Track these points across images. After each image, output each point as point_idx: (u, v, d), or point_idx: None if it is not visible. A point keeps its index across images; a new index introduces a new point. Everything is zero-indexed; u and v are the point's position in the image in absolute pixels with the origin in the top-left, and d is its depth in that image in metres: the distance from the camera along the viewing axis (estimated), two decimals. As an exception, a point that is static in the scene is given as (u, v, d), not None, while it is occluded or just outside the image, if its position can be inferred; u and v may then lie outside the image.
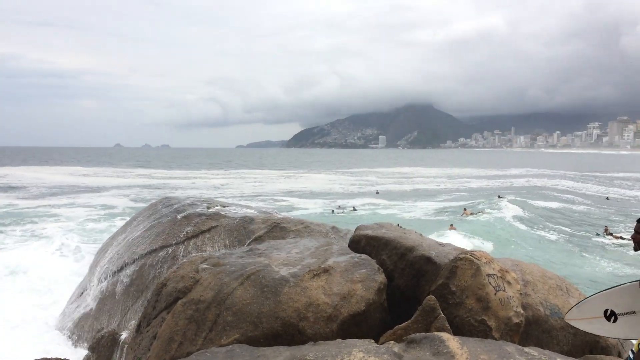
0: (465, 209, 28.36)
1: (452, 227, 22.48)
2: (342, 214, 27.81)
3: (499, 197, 34.91)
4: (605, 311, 3.46)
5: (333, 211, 28.82)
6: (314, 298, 4.47)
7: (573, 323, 3.73)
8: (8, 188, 43.10)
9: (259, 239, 7.75)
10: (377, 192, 41.64)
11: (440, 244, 5.53)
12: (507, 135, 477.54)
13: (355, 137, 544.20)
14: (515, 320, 4.58)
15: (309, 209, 30.23)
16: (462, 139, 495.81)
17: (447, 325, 4.26)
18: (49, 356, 3.79)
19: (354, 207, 30.40)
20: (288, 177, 58.98)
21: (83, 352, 5.03)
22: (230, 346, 3.41)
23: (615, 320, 3.42)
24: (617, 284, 3.50)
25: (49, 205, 31.31)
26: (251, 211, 9.26)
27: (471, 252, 4.94)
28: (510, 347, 3.48)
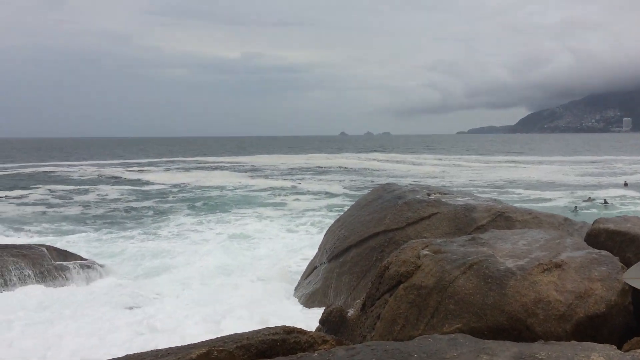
0: None
1: None
2: (587, 210, 22.96)
3: None
4: None
5: (575, 208, 23.46)
6: (544, 294, 4.16)
7: None
8: (251, 170, 49.00)
9: (481, 228, 7.50)
10: (625, 184, 34.96)
11: None
12: None
13: (593, 120, 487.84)
14: None
15: (537, 200, 27.70)
16: None
17: None
18: (286, 324, 4.24)
19: (605, 201, 24.97)
20: (512, 165, 55.72)
21: (313, 324, 5.47)
22: (453, 335, 3.37)
23: None
24: None
25: (281, 189, 34.53)
26: (472, 200, 9.01)
27: None
28: None
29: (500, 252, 4.92)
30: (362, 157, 72.45)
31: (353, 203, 11.12)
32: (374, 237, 8.13)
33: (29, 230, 20.28)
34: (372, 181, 38.91)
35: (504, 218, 7.85)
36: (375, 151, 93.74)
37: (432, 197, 8.89)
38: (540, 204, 24.74)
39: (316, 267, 8.94)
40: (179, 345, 3.18)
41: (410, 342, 3.16)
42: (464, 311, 4.27)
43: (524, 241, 5.28)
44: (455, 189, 13.99)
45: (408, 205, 8.51)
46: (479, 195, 11.09)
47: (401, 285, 4.75)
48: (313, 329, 5.06)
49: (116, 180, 40.02)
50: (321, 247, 9.49)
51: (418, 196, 8.83)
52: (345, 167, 54.03)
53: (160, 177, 42.45)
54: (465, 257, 4.81)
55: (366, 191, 30.46)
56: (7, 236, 18.89)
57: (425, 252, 5.16)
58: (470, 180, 39.23)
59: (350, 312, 5.26)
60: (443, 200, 8.68)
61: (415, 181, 36.88)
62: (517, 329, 4.06)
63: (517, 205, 10.56)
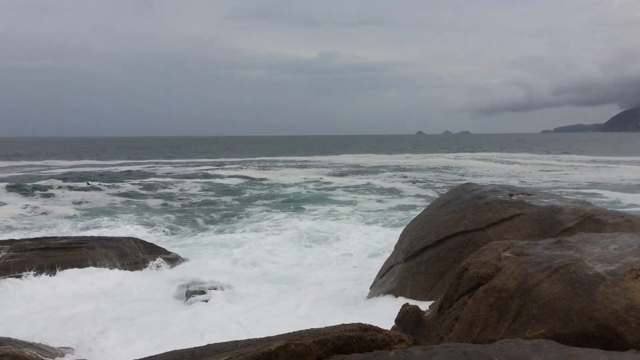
0: None
1: None
2: None
3: None
4: None
5: None
6: (638, 301, 3.91)
7: None
8: (327, 167, 49.42)
9: (568, 231, 7.14)
10: None
11: None
12: None
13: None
14: None
15: (630, 205, 25.68)
16: None
17: None
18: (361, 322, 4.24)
19: None
20: (601, 165, 52.55)
21: (388, 323, 5.44)
22: (536, 340, 3.24)
23: None
24: None
25: (355, 187, 34.54)
26: (558, 201, 8.60)
27: None
28: None
29: (589, 257, 4.67)
30: (439, 156, 71.10)
31: (430, 203, 10.94)
32: (452, 237, 7.96)
33: (120, 221, 21.60)
34: (450, 181, 38.08)
35: (593, 221, 7.43)
36: (453, 150, 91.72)
37: (514, 197, 8.57)
38: (633, 209, 23.18)
39: (392, 266, 8.87)
40: (258, 337, 3.27)
41: (491, 345, 3.07)
42: (548, 316, 4.08)
43: (615, 245, 4.97)
44: (539, 190, 13.42)
45: (489, 205, 8.26)
46: (564, 196, 10.59)
47: (481, 288, 4.61)
48: (388, 329, 5.03)
49: (200, 176, 41.51)
50: (397, 246, 9.41)
51: (499, 196, 8.54)
52: (421, 167, 53.23)
53: (240, 173, 43.72)
54: (550, 260, 4.60)
55: (442, 191, 29.97)
56: (98, 227, 20.24)
57: (507, 254, 4.99)
58: (554, 181, 37.43)
59: (427, 312, 5.18)
60: (526, 201, 8.35)
61: (495, 181, 35.70)
62: (606, 337, 3.83)
63: (607, 208, 9.98)
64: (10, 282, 10.80)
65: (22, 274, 11.04)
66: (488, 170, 49.29)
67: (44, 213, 23.54)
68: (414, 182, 37.80)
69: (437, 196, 16.55)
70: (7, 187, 29.81)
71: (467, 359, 2.69)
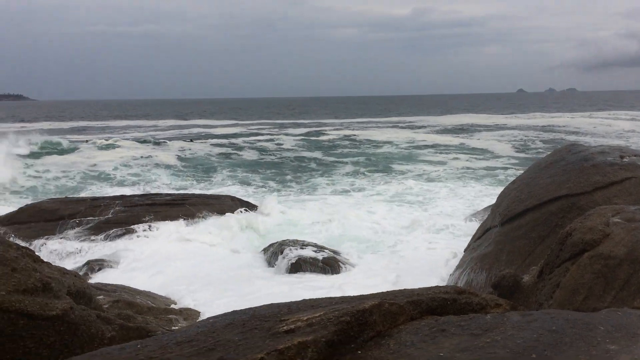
0: None
1: None
2: None
3: None
4: None
5: None
6: None
7: None
8: (418, 128, 48.44)
9: (687, 196, 6.55)
10: None
11: None
12: None
13: None
14: None
15: None
16: None
17: None
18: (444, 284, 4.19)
19: None
20: None
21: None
22: (647, 311, 3.03)
23: None
24: None
25: (445, 146, 33.76)
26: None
27: None
28: None
29: None
30: (541, 116, 67.21)
31: (530, 165, 10.44)
32: (554, 201, 7.55)
33: (219, 177, 22.73)
34: (552, 141, 36.05)
35: None
36: (557, 109, 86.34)
37: (625, 159, 7.95)
38: None
39: (488, 229, 8.60)
40: (352, 295, 3.32)
41: (596, 313, 2.91)
42: (661, 287, 3.81)
43: None
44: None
45: (596, 168, 7.72)
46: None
47: (586, 254, 4.37)
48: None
49: (298, 135, 42.11)
50: (494, 209, 9.10)
51: (609, 158, 7.96)
52: (521, 126, 50.65)
53: (336, 133, 44.01)
54: (665, 227, 4.26)
55: (542, 153, 28.46)
56: (197, 181, 21.42)
57: (616, 219, 4.68)
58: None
59: (525, 278, 5.00)
60: (639, 163, 7.72)
61: (603, 142, 33.33)
62: None
63: None
64: (120, 235, 11.70)
65: (132, 227, 11.92)
66: (595, 128, 46.01)
67: (153, 165, 25.34)
68: (511, 142, 36.22)
69: (536, 158, 15.74)
70: (123, 140, 32.73)
71: (570, 326, 2.57)
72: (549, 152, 10.39)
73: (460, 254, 9.32)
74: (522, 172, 10.55)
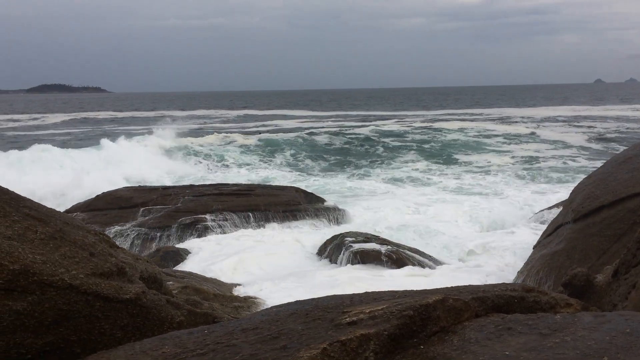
0: None
1: None
2: None
3: None
4: None
5: None
6: None
7: None
8: (487, 120, 47.02)
9: None
10: None
11: None
12: None
13: None
14: None
15: None
16: None
17: None
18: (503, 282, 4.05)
19: None
20: None
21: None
22: None
23: None
24: None
25: (516, 135, 32.83)
26: None
27: None
28: None
29: None
30: (620, 108, 63.59)
31: (608, 159, 9.93)
32: (632, 197, 7.15)
33: (279, 168, 23.14)
34: (631, 134, 34.09)
35: None
36: (638, 100, 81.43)
37: None
38: None
39: (559, 225, 8.27)
40: (415, 290, 3.29)
41: (677, 318, 2.74)
42: None
43: None
44: None
45: (681, 163, 7.25)
46: None
47: (666, 254, 4.12)
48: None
49: (366, 127, 41.85)
50: (566, 205, 8.72)
51: (695, 153, 7.45)
52: (596, 118, 48.19)
53: (401, 124, 43.53)
54: None
55: (619, 145, 27.00)
56: (262, 167, 21.86)
57: (702, 218, 4.38)
58: None
59: (598, 277, 4.77)
60: None
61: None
62: None
63: None
64: (189, 223, 12.10)
65: (200, 216, 12.30)
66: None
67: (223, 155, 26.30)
68: (587, 134, 34.55)
69: (613, 152, 14.95)
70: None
71: (647, 330, 2.44)
72: (627, 146, 9.85)
73: (525, 251, 9.03)
74: (597, 166, 10.05)
